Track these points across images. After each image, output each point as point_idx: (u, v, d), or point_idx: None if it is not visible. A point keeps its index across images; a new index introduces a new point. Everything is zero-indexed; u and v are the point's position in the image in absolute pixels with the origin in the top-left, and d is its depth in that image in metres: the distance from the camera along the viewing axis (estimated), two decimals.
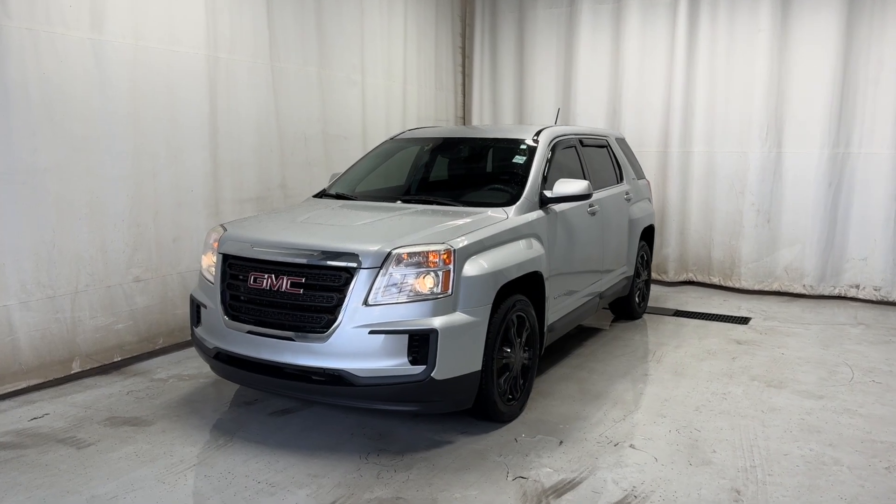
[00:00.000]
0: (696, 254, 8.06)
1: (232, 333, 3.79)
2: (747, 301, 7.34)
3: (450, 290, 3.56)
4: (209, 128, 5.46)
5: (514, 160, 4.88)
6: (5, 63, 4.15)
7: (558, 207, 4.72)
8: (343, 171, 5.45)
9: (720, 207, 7.85)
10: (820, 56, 7.16)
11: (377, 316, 3.48)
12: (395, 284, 3.52)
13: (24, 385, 4.39)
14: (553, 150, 5.01)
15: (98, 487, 3.24)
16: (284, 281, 3.64)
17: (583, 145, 5.58)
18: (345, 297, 3.51)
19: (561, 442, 3.80)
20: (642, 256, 6.56)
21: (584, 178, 5.31)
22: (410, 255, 3.55)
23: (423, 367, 3.46)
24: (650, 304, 7.05)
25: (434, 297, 3.52)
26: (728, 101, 7.64)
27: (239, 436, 3.83)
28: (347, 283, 3.53)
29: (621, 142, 6.62)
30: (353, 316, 3.49)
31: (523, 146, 4.94)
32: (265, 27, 5.89)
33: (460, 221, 4.00)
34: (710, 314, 6.73)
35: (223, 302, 3.87)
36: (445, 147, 5.41)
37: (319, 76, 6.54)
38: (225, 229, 4.13)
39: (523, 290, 4.20)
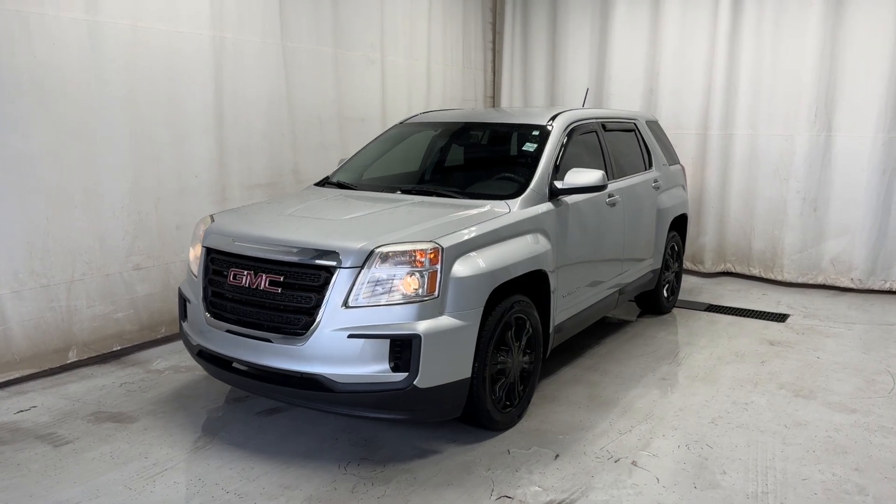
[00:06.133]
0: (736, 243, 7.60)
1: (212, 331, 3.63)
2: (788, 295, 6.88)
3: (436, 292, 3.30)
4: (214, 112, 5.29)
5: (524, 148, 4.56)
6: None
7: (571, 199, 4.40)
8: (349, 157, 5.23)
9: (763, 194, 7.35)
10: (877, 32, 6.55)
11: (357, 319, 3.26)
12: (378, 285, 3.29)
13: (17, 375, 4.34)
14: (569, 136, 4.67)
15: (62, 492, 3.13)
16: (263, 279, 3.45)
17: (606, 130, 5.22)
18: (323, 297, 3.30)
19: (557, 455, 3.53)
20: (672, 248, 6.17)
21: (605, 166, 5.00)
22: (394, 253, 3.31)
23: (406, 374, 3.23)
24: (683, 297, 6.66)
25: (419, 299, 3.28)
26: (774, 81, 7.10)
27: (220, 437, 3.69)
28: (327, 282, 3.31)
29: (653, 125, 6.21)
30: (332, 318, 3.27)
31: (536, 132, 4.61)
32: (275, 5, 5.66)
33: (455, 216, 3.73)
34: (745, 310, 6.31)
35: (205, 298, 3.70)
36: (453, 133, 5.10)
37: (335, 56, 6.30)
38: (213, 220, 3.96)
39: (525, 289, 3.93)
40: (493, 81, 8.78)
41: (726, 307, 6.41)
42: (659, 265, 5.86)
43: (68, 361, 4.60)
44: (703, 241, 7.70)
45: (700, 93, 7.49)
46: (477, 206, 3.94)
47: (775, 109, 7.14)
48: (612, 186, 4.97)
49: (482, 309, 3.47)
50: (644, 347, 5.24)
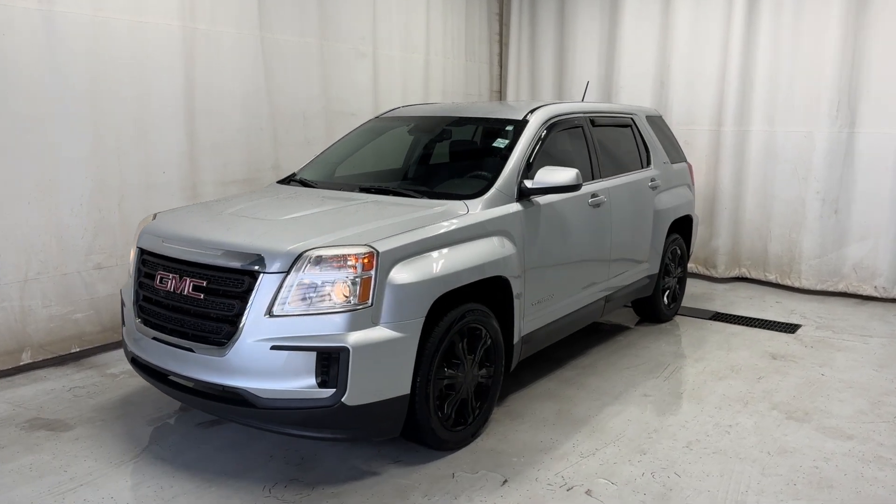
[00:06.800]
0: (751, 247, 7.14)
1: (143, 338, 3.42)
2: (805, 303, 6.41)
3: (369, 301, 3.03)
4: (184, 105, 5.09)
5: (494, 144, 4.24)
6: None
7: (544, 199, 4.07)
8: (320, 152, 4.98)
9: (780, 195, 6.88)
10: None
11: (282, 329, 2.99)
12: (306, 292, 3.02)
13: None
14: (548, 131, 4.35)
15: None
16: (187, 283, 3.21)
17: (594, 125, 4.87)
18: (246, 305, 3.04)
19: (505, 481, 3.22)
20: (674, 251, 5.78)
21: (591, 164, 4.66)
22: (324, 258, 3.03)
23: (333, 390, 2.96)
24: (689, 303, 6.27)
25: (350, 308, 3.00)
26: (793, 73, 6.63)
27: (150, 450, 3.47)
28: (251, 288, 3.05)
29: (654, 120, 5.82)
30: (255, 328, 3.01)
31: (509, 128, 4.30)
32: None
33: (404, 218, 3.43)
34: (754, 319, 5.88)
35: (136, 302, 3.49)
36: (427, 128, 4.81)
37: (321, 48, 6.06)
38: (154, 219, 3.75)
39: (483, 297, 3.63)
40: (500, 75, 8.45)
41: (734, 316, 5.98)
42: (656, 270, 5.48)
43: (22, 363, 4.44)
44: (715, 245, 7.26)
45: (713, 86, 7.05)
46: (432, 207, 3.64)
47: (794, 104, 6.67)
48: (598, 186, 4.63)
49: (423, 319, 3.18)
50: (633, 359, 4.88)
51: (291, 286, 3.01)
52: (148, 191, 4.96)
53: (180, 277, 3.24)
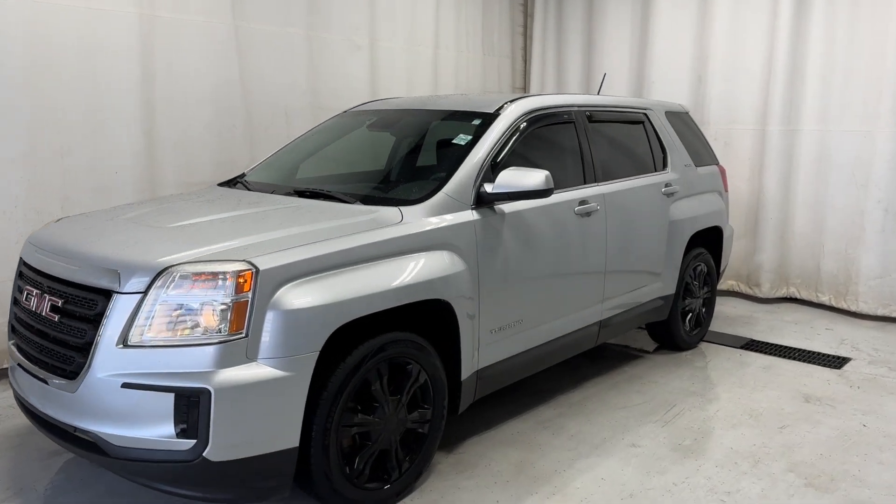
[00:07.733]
0: (801, 264, 6.21)
1: (14, 364, 2.93)
2: (861, 331, 5.48)
3: (244, 331, 2.44)
4: (141, 99, 4.64)
5: (454, 141, 3.58)
6: None
7: (510, 207, 3.40)
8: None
9: (835, 204, 5.94)
10: None
11: (136, 363, 2.43)
12: (167, 317, 2.46)
13: None
14: (527, 127, 3.69)
15: None
16: (46, 302, 2.71)
17: (591, 121, 4.16)
18: (98, 331, 2.50)
19: None
20: (698, 268, 4.98)
21: (583, 166, 3.97)
22: (189, 275, 2.47)
23: (194, 441, 2.39)
24: (721, 328, 5.48)
25: (220, 339, 2.42)
26: (850, 64, 5.71)
27: (23, 494, 2.98)
28: (104, 311, 2.51)
29: (677, 116, 5.05)
30: (105, 360, 2.47)
31: (477, 121, 3.64)
32: None
33: (315, 227, 2.83)
34: (794, 349, 5.01)
35: (8, 322, 3.02)
36: (386, 124, 4.19)
37: (307, 39, 5.54)
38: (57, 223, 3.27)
39: (419, 324, 2.99)
40: (525, 70, 7.75)
41: (771, 344, 5.12)
42: (673, 290, 4.69)
43: None
44: (759, 260, 6.36)
45: (757, 80, 6.18)
46: (359, 214, 3.03)
47: (851, 100, 5.75)
48: (589, 191, 3.92)
49: (317, 353, 2.56)
50: (633, 397, 4.13)
51: (151, 309, 2.46)
52: (97, 193, 4.53)
53: (41, 294, 2.74)
